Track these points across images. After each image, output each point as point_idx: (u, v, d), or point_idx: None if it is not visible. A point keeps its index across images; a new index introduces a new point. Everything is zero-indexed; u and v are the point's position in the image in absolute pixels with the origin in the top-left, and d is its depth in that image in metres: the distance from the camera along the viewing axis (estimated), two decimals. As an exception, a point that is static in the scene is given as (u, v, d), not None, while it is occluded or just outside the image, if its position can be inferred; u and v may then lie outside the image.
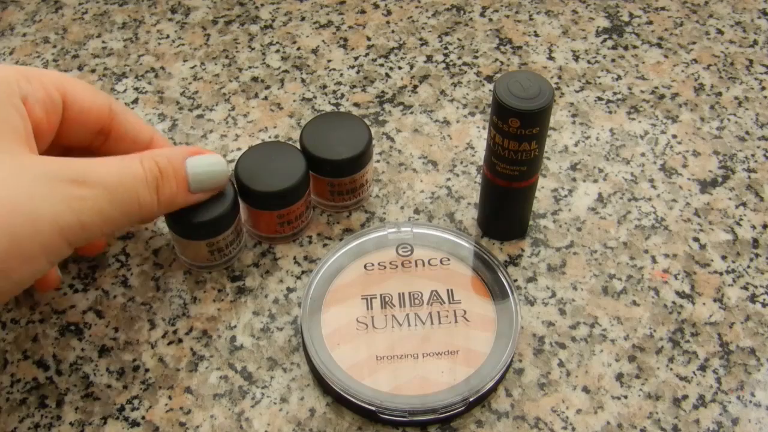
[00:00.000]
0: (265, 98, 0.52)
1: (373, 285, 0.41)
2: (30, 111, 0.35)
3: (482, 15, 0.58)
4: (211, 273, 0.43)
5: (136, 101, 0.52)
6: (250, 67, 0.54)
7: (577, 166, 0.48)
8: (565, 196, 0.46)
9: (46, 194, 0.32)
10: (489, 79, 0.53)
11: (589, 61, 0.54)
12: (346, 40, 0.56)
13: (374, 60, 0.54)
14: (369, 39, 0.56)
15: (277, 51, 0.55)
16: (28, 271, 0.33)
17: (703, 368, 0.39)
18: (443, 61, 0.54)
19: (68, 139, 0.39)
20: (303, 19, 0.57)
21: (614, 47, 0.55)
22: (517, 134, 0.38)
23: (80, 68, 0.54)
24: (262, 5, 0.58)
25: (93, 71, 0.54)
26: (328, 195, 0.45)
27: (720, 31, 0.56)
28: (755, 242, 0.44)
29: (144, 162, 0.36)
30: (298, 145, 0.44)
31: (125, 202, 0.35)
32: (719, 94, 0.52)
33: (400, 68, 0.54)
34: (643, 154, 0.48)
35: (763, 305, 0.42)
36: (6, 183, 0.32)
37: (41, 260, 0.33)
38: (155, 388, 0.39)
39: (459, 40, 0.56)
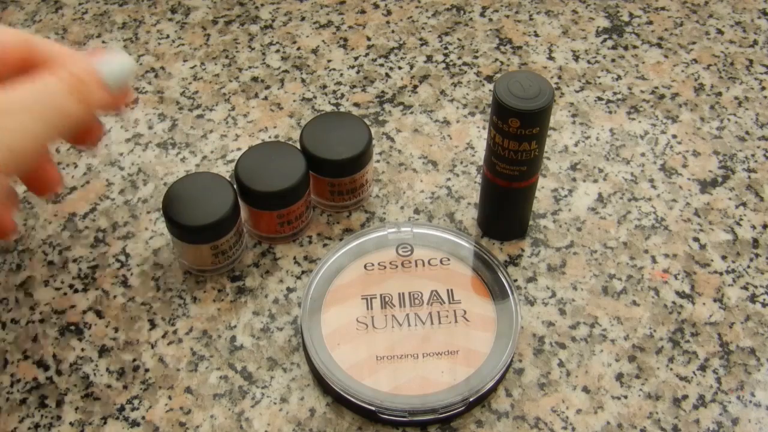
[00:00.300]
0: (265, 98, 0.52)
1: (373, 285, 0.41)
2: None
3: (482, 15, 0.58)
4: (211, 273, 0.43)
5: (136, 101, 0.52)
6: (250, 67, 0.54)
7: (577, 166, 0.48)
8: (565, 196, 0.46)
9: None
10: (489, 79, 0.53)
11: (589, 61, 0.54)
12: (346, 40, 0.56)
13: (374, 60, 0.54)
14: (369, 39, 0.56)
15: (277, 51, 0.55)
16: None
17: (703, 368, 0.39)
18: (443, 61, 0.54)
19: None
20: (303, 19, 0.57)
21: (614, 47, 0.55)
22: (517, 134, 0.38)
23: (80, 68, 0.54)
24: (262, 5, 0.58)
25: (93, 71, 0.54)
26: (328, 195, 0.45)
27: (720, 31, 0.56)
28: (755, 242, 0.44)
29: (58, 74, 0.35)
30: (298, 145, 0.44)
31: (51, 117, 0.34)
32: (719, 94, 0.52)
33: (400, 68, 0.54)
34: (643, 154, 0.48)
35: (763, 305, 0.42)
36: None
37: None
38: (155, 388, 0.39)
39: (459, 40, 0.56)
